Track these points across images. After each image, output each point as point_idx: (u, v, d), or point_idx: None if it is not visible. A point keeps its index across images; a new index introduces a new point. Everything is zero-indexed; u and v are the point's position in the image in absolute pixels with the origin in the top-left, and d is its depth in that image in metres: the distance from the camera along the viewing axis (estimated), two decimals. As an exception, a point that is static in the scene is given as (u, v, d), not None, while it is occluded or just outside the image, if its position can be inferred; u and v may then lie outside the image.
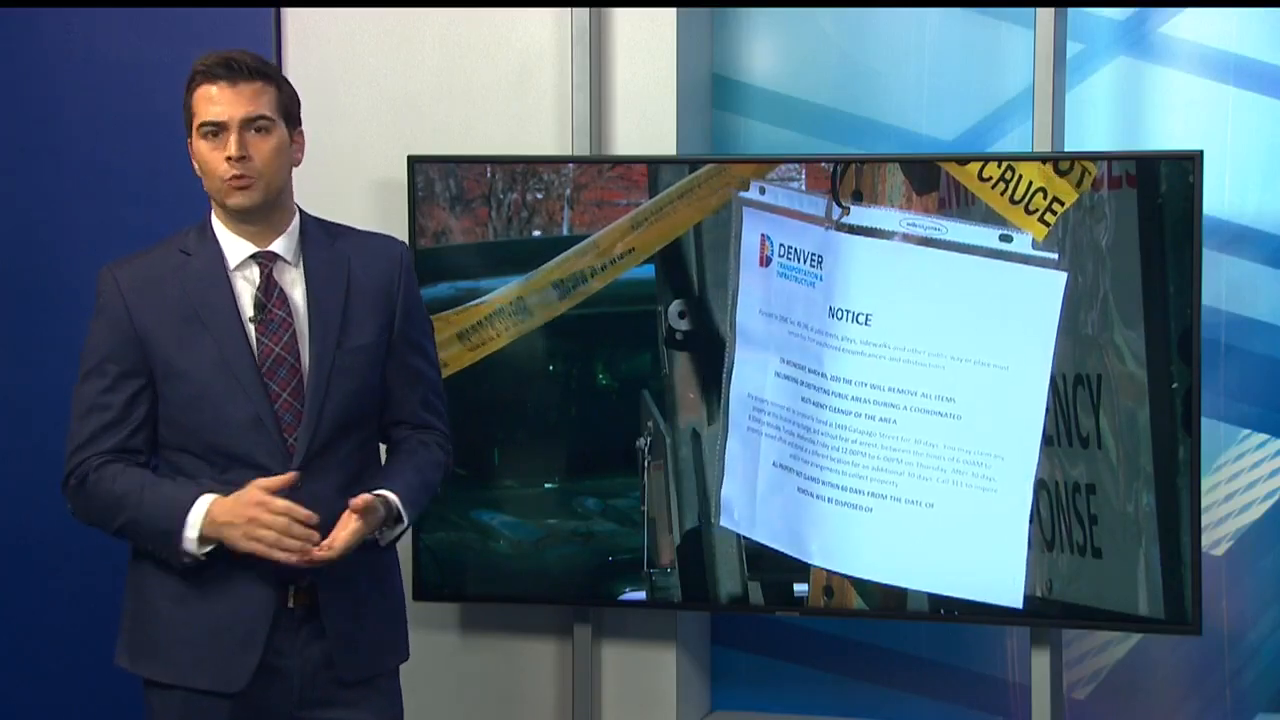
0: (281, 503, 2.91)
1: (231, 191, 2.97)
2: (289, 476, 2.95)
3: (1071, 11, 4.08)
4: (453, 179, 4.17)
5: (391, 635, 3.21)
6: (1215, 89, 4.21)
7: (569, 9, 4.26)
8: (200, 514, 2.94)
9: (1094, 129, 4.25)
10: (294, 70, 4.34)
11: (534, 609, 4.39)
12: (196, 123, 2.98)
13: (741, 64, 4.54)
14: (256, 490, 2.92)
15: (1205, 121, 4.17)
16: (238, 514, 2.92)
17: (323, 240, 3.09)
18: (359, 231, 3.21)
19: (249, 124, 2.96)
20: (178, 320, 2.99)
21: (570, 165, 4.13)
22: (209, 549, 2.96)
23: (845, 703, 4.53)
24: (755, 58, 4.54)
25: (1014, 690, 4.33)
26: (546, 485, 4.20)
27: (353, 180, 4.36)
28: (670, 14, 4.28)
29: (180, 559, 2.97)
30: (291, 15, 4.40)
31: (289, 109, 3.05)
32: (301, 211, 3.14)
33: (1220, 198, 4.10)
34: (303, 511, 2.93)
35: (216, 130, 2.95)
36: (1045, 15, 4.00)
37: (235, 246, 3.02)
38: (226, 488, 2.97)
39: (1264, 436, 4.20)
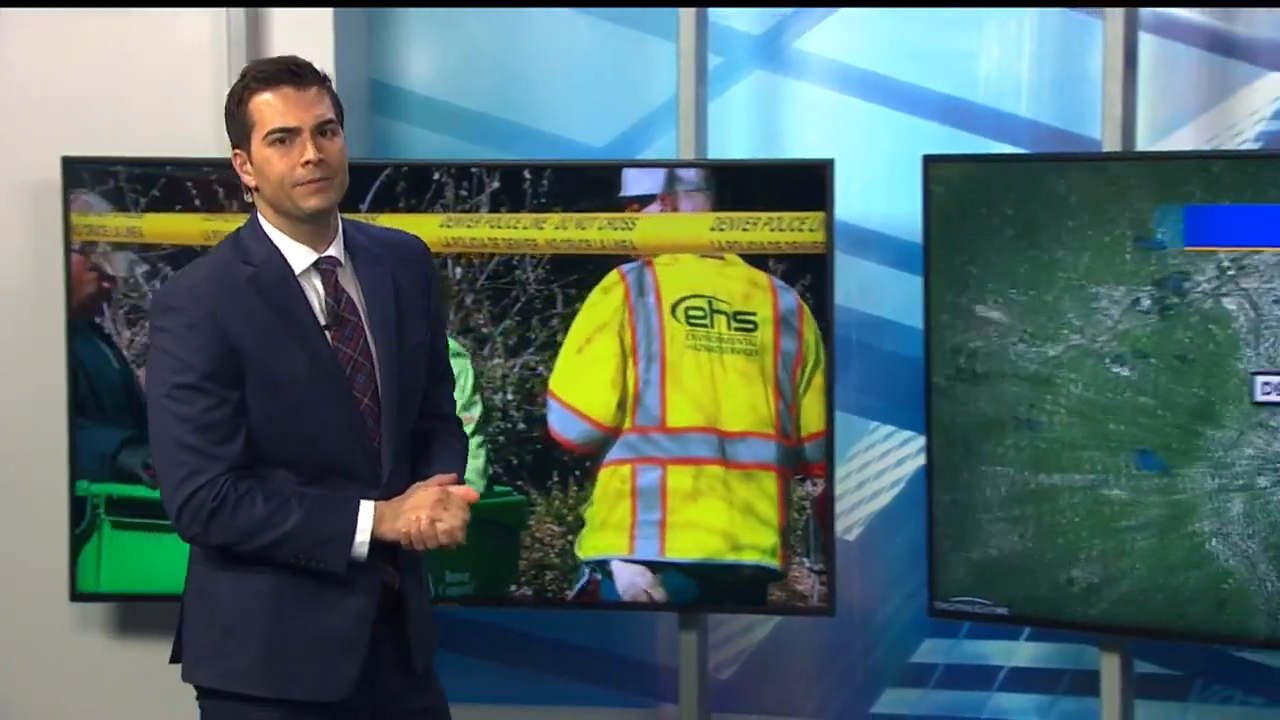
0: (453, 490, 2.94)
1: (309, 194, 2.88)
2: (453, 476, 2.97)
3: (712, 25, 4.28)
4: (112, 180, 4.16)
5: (434, 625, 3.17)
6: (845, 101, 4.45)
7: (225, 9, 4.28)
8: (369, 513, 2.89)
9: (735, 138, 4.45)
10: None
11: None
12: (263, 130, 2.89)
13: (399, 70, 4.61)
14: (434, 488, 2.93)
15: (836, 131, 4.39)
16: (422, 500, 2.90)
17: (361, 241, 3.03)
18: (383, 229, 3.16)
19: (319, 128, 2.90)
20: (265, 332, 2.89)
21: (229, 168, 4.15)
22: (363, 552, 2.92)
23: (502, 690, 4.61)
24: (413, 64, 4.61)
25: (663, 672, 4.50)
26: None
27: (3, 180, 4.30)
28: (327, 17, 4.33)
29: (337, 564, 2.89)
30: (-60, 13, 4.33)
31: (340, 112, 3.00)
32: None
33: (850, 204, 4.29)
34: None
35: (287, 136, 2.88)
36: (688, 28, 4.19)
37: (298, 254, 2.94)
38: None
39: (891, 428, 4.46)
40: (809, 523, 4.09)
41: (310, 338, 2.90)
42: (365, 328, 2.95)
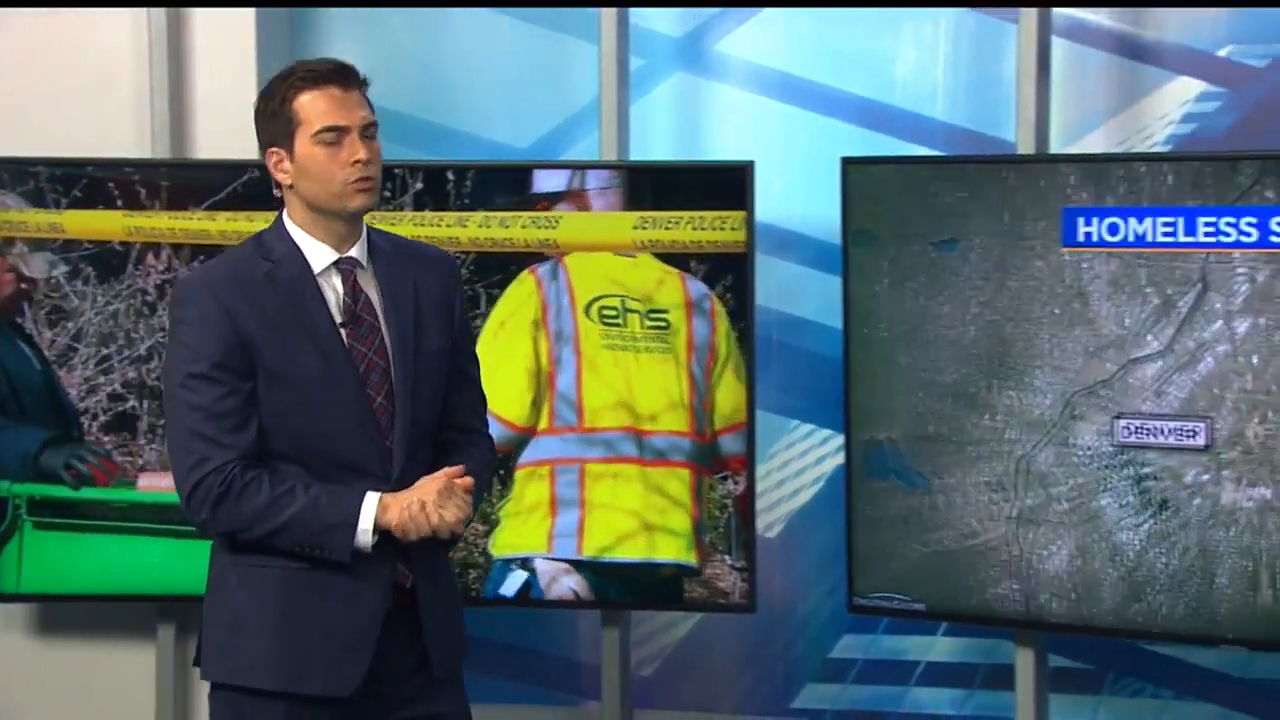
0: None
1: (355, 194, 2.91)
2: (459, 468, 2.97)
3: (634, 27, 4.30)
4: (32, 180, 4.14)
5: (463, 631, 3.18)
6: (765, 104, 4.49)
7: (145, 9, 4.28)
8: (373, 503, 2.90)
9: (657, 139, 4.48)
10: None
11: (117, 607, 4.40)
12: (313, 128, 2.89)
13: None
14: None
15: (757, 133, 4.43)
16: (425, 487, 2.92)
17: (385, 248, 3.05)
18: (413, 242, 3.18)
19: (365, 129, 2.93)
20: (278, 326, 2.91)
21: (153, 168, 4.17)
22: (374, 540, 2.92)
23: None
24: None
25: (585, 669, 4.53)
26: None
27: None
28: (249, 18, 4.33)
29: (341, 552, 2.90)
30: None
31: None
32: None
33: (770, 205, 4.32)
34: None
35: (338, 136, 2.89)
36: (609, 30, 4.21)
37: (318, 253, 2.95)
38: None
39: (811, 426, 4.50)
40: (730, 520, 4.12)
41: (324, 334, 2.92)
42: (382, 328, 2.97)
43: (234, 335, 2.88)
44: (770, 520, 4.48)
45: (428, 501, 2.89)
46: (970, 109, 4.39)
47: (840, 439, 4.15)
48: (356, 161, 2.89)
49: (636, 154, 4.30)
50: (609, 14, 4.22)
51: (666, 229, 4.07)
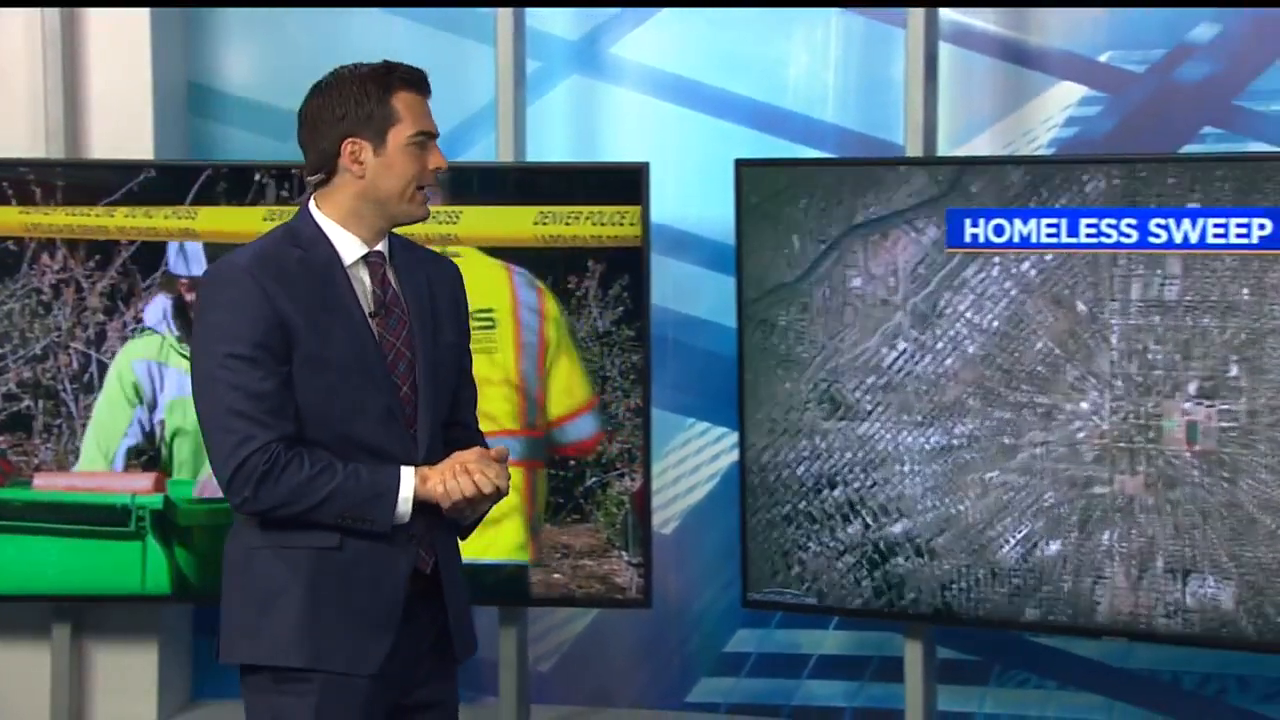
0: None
1: (424, 201, 2.98)
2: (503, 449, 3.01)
3: (530, 30, 4.34)
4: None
5: (472, 619, 3.20)
6: (660, 106, 4.54)
7: (40, 9, 4.26)
8: (411, 473, 2.93)
9: (554, 140, 4.52)
10: None
11: (12, 607, 4.39)
12: (411, 129, 2.93)
13: (217, 72, 4.63)
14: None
15: (652, 135, 4.48)
16: (461, 458, 2.95)
17: (401, 249, 3.09)
18: (419, 245, 3.20)
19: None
20: (312, 311, 2.93)
21: (48, 168, 4.16)
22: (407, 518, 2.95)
23: None
24: (230, 66, 4.63)
25: (483, 666, 4.52)
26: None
27: None
28: (143, 19, 4.33)
29: (382, 522, 2.93)
30: None
31: None
32: None
33: (665, 206, 4.39)
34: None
35: (427, 141, 2.95)
36: (505, 33, 4.25)
37: (348, 245, 2.98)
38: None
39: (706, 424, 4.56)
40: (627, 517, 4.16)
41: (356, 323, 2.95)
42: (409, 320, 3.01)
43: (273, 317, 2.91)
44: (666, 517, 4.53)
45: (469, 464, 2.95)
46: (860, 112, 4.45)
47: (735, 436, 4.20)
48: (437, 168, 2.96)
49: (534, 155, 4.33)
50: (505, 16, 4.26)
51: (567, 224, 4.12)
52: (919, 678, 4.16)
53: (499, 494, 2.96)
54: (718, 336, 4.42)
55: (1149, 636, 3.82)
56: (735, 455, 4.19)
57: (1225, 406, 3.68)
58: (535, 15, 4.43)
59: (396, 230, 3.04)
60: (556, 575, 4.20)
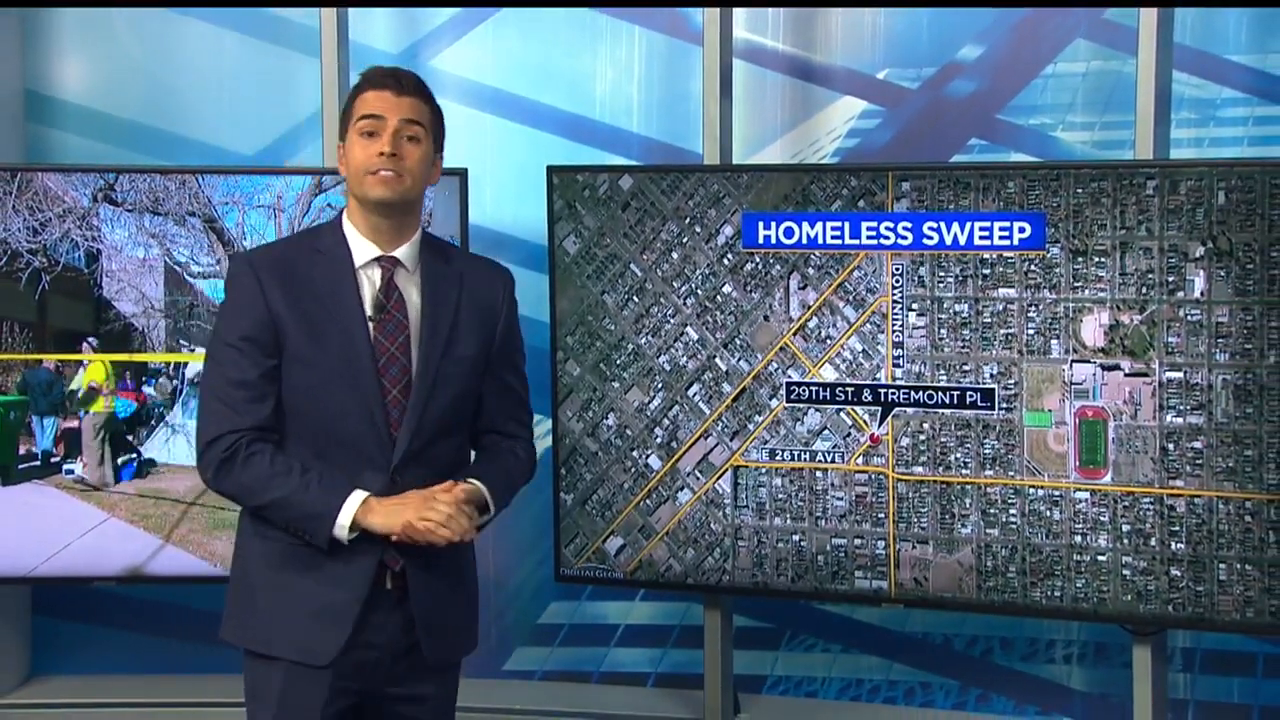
0: (448, 492, 3.00)
1: (376, 183, 3.01)
2: (448, 485, 3.02)
3: (353, 44, 4.44)
4: None
5: (469, 623, 3.22)
6: (478, 116, 4.68)
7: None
8: (356, 502, 2.95)
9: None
10: None
11: None
12: (356, 118, 3.01)
13: (53, 79, 4.69)
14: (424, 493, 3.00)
15: (470, 144, 4.56)
16: (407, 500, 2.96)
17: (439, 256, 3.12)
18: (471, 254, 3.24)
19: (404, 127, 3.03)
20: (307, 309, 2.99)
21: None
22: (353, 535, 2.98)
23: (156, 660, 4.73)
24: (67, 74, 4.70)
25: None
26: None
27: None
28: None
29: (318, 539, 2.97)
30: None
31: (437, 131, 3.11)
32: (423, 229, 3.16)
33: (483, 210, 4.56)
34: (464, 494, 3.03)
35: (375, 128, 3.00)
36: (329, 45, 4.35)
37: (362, 248, 3.04)
38: (330, 469, 3.01)
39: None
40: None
41: (351, 322, 3.02)
42: (410, 327, 3.06)
43: (265, 313, 3.00)
44: (485, 498, 4.67)
45: (413, 503, 2.98)
46: (663, 123, 4.61)
47: (550, 423, 4.27)
48: (381, 153, 3.01)
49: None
50: (329, 30, 4.34)
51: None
52: (717, 644, 4.31)
53: (450, 533, 2.98)
54: (534, 330, 4.39)
55: (923, 604, 3.97)
56: (549, 440, 4.25)
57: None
58: (359, 30, 4.53)
59: (431, 235, 3.11)
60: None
